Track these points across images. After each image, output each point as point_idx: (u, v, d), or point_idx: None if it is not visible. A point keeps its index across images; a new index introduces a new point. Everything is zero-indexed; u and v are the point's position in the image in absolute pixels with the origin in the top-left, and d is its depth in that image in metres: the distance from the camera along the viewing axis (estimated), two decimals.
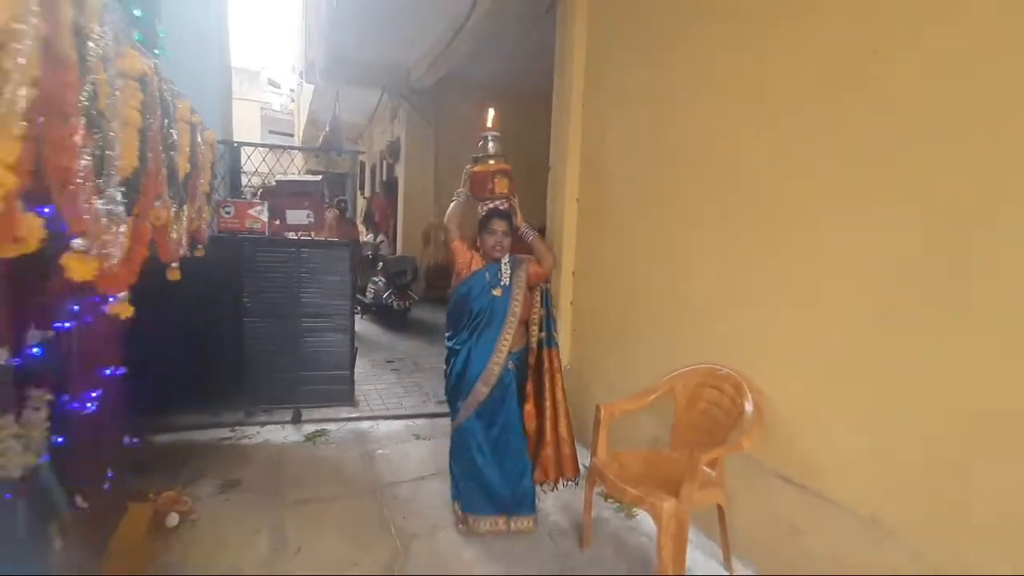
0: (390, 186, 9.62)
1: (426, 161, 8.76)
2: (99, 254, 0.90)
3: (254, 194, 4.54)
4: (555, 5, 3.75)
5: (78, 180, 0.82)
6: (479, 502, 2.46)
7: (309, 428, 3.60)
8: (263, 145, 4.13)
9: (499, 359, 2.44)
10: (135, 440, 2.54)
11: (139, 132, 1.17)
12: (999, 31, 1.53)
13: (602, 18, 3.41)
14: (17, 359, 1.38)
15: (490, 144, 2.59)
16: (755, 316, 2.32)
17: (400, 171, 9.12)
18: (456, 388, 2.53)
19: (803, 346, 2.12)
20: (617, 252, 3.27)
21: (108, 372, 2.07)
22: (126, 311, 1.32)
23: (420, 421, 3.86)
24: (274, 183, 4.01)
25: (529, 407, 2.65)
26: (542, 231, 3.31)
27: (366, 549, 2.36)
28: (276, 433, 3.53)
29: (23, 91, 0.65)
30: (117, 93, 1.05)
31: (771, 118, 2.26)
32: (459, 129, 8.68)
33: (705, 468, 2.12)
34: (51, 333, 1.52)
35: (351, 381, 3.80)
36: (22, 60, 0.66)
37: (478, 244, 2.56)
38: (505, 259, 2.53)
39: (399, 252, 8.75)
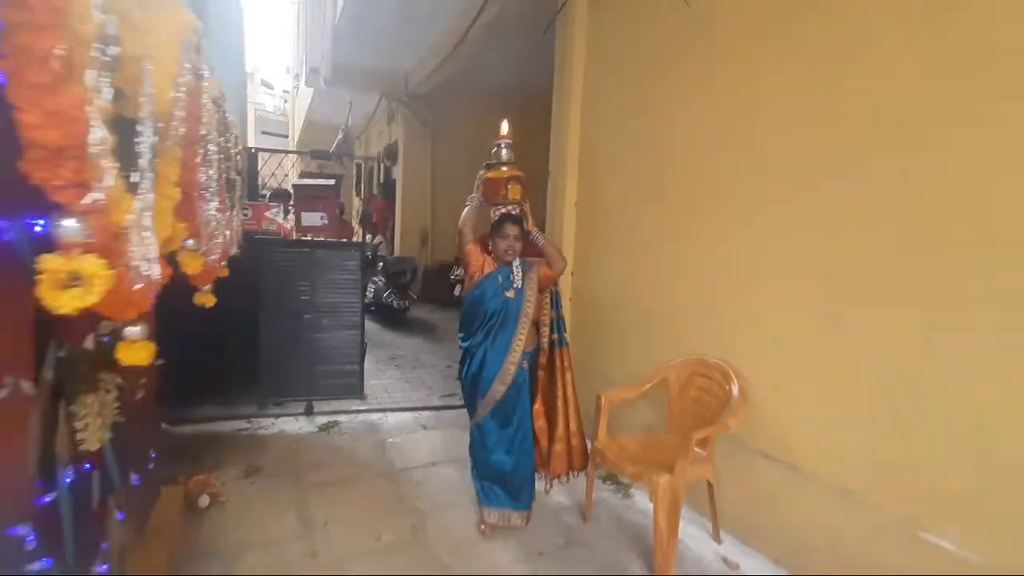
0: (387, 188, 9.80)
1: (423, 164, 8.96)
2: (205, 252, 1.09)
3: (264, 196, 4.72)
4: (554, 21, 3.97)
5: (198, 192, 1.02)
6: (492, 495, 2.56)
7: (321, 420, 3.79)
8: (283, 151, 4.32)
9: (514, 359, 2.51)
10: (170, 427, 2.72)
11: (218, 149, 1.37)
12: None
13: (600, 35, 3.64)
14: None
15: (503, 152, 2.64)
16: (738, 310, 2.57)
17: (398, 174, 9.30)
18: (473, 388, 2.59)
19: (781, 335, 2.37)
20: (613, 253, 3.50)
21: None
22: (210, 300, 1.51)
23: (426, 413, 4.06)
24: (276, 186, 4.19)
25: (538, 406, 2.70)
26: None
27: (386, 524, 2.56)
28: (290, 424, 3.71)
29: (183, 129, 0.85)
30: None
31: (750, 129, 2.50)
32: (456, 133, 8.91)
33: (696, 448, 2.35)
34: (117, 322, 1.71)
35: (361, 375, 3.99)
36: (181, 108, 0.86)
37: (490, 248, 2.63)
38: (516, 262, 2.59)
39: (397, 253, 8.93)
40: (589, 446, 2.74)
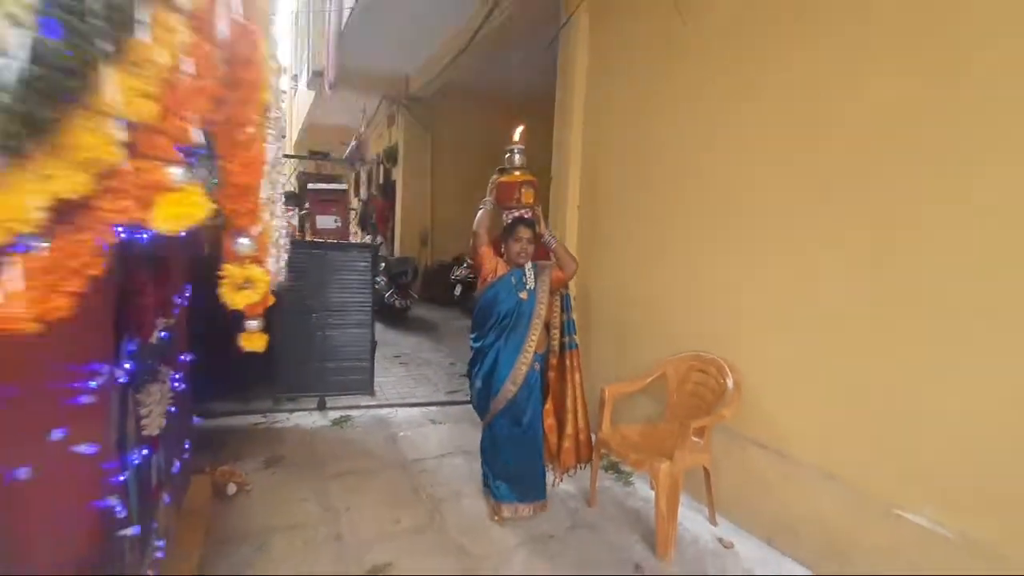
0: (387, 190, 9.94)
1: (423, 167, 9.12)
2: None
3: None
4: (558, 35, 4.14)
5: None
6: (503, 491, 2.65)
7: (334, 414, 3.94)
8: (301, 156, 4.46)
9: (526, 359, 2.56)
10: (199, 419, 2.86)
11: None
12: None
13: (601, 48, 3.82)
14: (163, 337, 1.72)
15: (516, 156, 2.69)
16: (733, 308, 2.76)
17: (398, 175, 9.45)
18: (485, 387, 2.64)
19: (774, 332, 2.56)
20: (615, 253, 3.68)
21: (185, 357, 2.41)
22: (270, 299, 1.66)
23: (434, 408, 4.22)
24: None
25: (548, 405, 2.78)
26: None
27: (404, 510, 2.73)
28: (304, 419, 3.87)
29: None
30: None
31: (743, 136, 2.69)
32: (456, 136, 9.08)
33: (694, 437, 2.54)
34: (172, 320, 1.87)
35: (371, 371, 4.15)
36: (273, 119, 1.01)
37: (502, 250, 2.68)
38: (529, 265, 2.64)
39: (397, 253, 9.07)
40: (594, 439, 2.90)
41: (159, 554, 1.70)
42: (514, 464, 2.65)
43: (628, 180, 3.56)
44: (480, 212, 2.70)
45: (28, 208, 0.48)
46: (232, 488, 2.78)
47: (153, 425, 1.74)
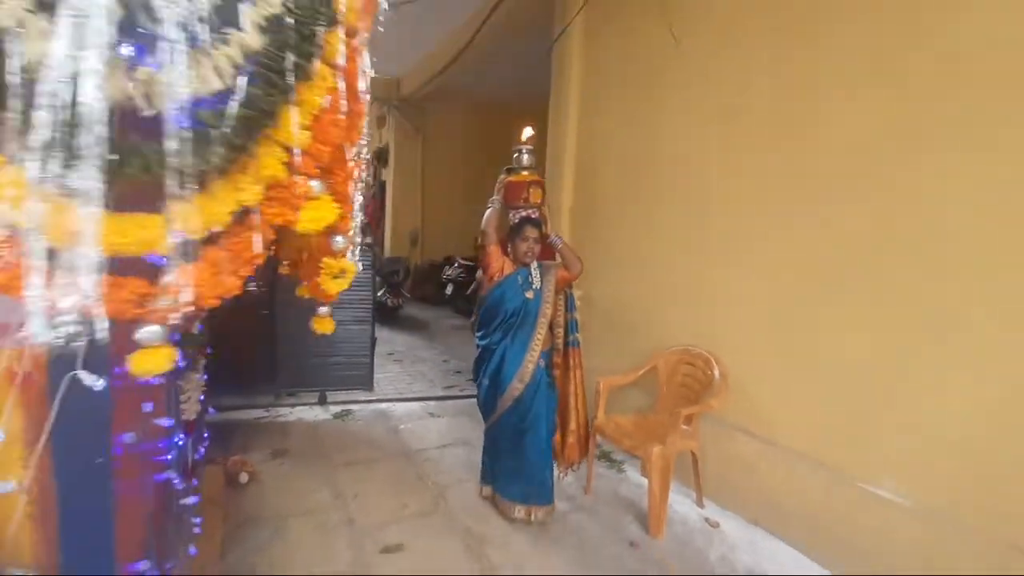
0: (377, 190, 10.02)
1: (414, 168, 9.23)
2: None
3: None
4: (552, 47, 4.33)
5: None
6: (506, 487, 2.69)
7: (335, 408, 4.06)
8: None
9: (533, 357, 2.59)
10: (214, 411, 2.97)
11: None
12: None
13: (596, 55, 4.02)
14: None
15: (524, 157, 2.72)
16: (720, 305, 2.97)
17: (388, 176, 9.55)
18: (492, 385, 2.66)
19: (757, 328, 2.77)
20: (608, 254, 3.87)
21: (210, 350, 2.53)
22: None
23: (432, 403, 4.36)
24: None
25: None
26: None
27: (410, 495, 2.88)
28: (306, 413, 3.98)
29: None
30: None
31: (731, 147, 2.90)
32: (446, 138, 9.22)
33: (683, 425, 2.73)
34: (204, 313, 2.00)
35: (371, 367, 4.28)
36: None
37: (509, 249, 2.70)
38: (535, 264, 2.67)
39: (387, 253, 9.17)
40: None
41: (196, 530, 1.83)
42: (520, 464, 2.64)
43: (621, 184, 3.76)
44: (488, 211, 2.71)
45: (222, 212, 0.63)
46: (244, 477, 2.90)
47: (191, 411, 1.87)
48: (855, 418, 2.33)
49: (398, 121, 9.08)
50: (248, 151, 0.65)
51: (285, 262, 1.47)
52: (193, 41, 0.56)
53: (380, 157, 9.73)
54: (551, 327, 2.77)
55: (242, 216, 0.68)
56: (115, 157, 0.54)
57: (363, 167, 0.86)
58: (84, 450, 0.90)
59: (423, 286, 8.73)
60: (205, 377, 2.28)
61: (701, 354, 2.96)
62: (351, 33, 0.70)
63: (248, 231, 0.68)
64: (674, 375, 3.08)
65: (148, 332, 0.68)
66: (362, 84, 0.75)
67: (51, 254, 0.56)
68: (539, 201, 2.74)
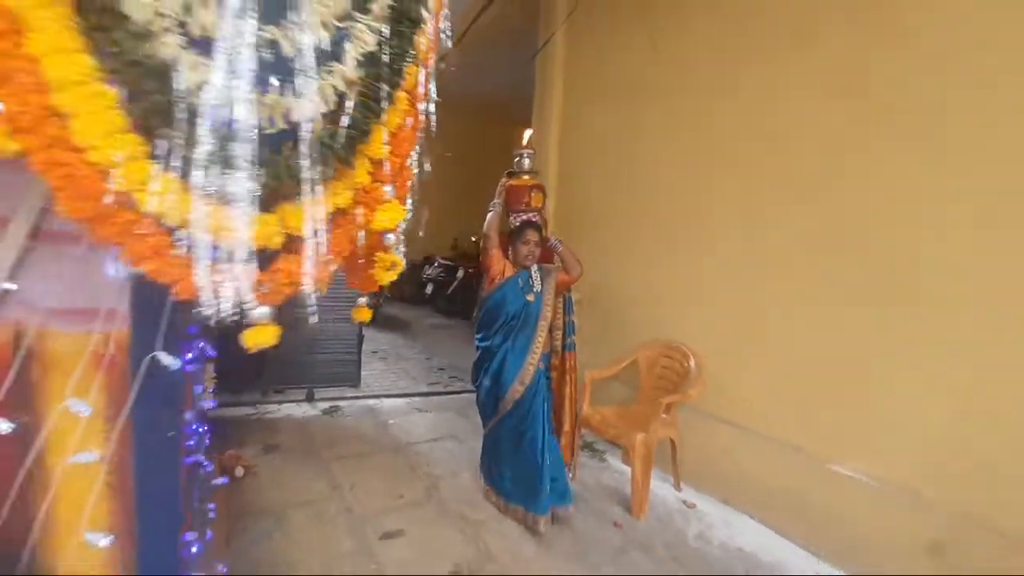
0: None
1: None
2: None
3: None
4: (535, 56, 4.50)
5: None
6: (506, 488, 2.71)
7: (323, 405, 4.12)
8: None
9: (534, 360, 2.63)
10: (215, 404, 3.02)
11: None
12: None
13: (578, 63, 4.20)
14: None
15: (525, 161, 2.76)
16: (695, 300, 3.18)
17: None
18: (493, 388, 2.68)
19: (731, 323, 2.99)
20: (591, 255, 4.04)
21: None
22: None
23: (418, 399, 4.47)
24: None
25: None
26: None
27: (405, 486, 2.99)
28: (295, 409, 4.03)
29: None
30: None
31: (705, 153, 3.12)
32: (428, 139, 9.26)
33: (663, 414, 2.93)
34: None
35: (359, 364, 4.35)
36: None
37: (509, 252, 2.74)
38: (534, 267, 2.70)
39: None
40: None
41: (211, 515, 1.91)
42: (517, 467, 2.66)
43: (602, 189, 3.95)
44: (490, 214, 2.74)
45: (323, 214, 0.75)
46: (240, 470, 2.95)
47: (207, 400, 1.95)
48: (820, 404, 2.57)
49: None
50: (349, 163, 0.78)
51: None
52: (306, 72, 0.69)
53: None
54: (550, 330, 2.79)
55: (334, 216, 0.80)
56: (263, 167, 0.66)
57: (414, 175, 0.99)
58: (158, 425, 0.99)
59: (403, 285, 8.77)
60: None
61: (679, 348, 3.17)
62: (422, 65, 0.84)
63: (338, 229, 0.80)
64: (653, 368, 3.28)
65: (260, 312, 0.80)
66: (427, 106, 0.88)
67: (211, 248, 0.67)
68: (540, 205, 2.78)
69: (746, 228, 2.91)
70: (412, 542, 2.51)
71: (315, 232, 0.74)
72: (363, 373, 4.95)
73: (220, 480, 1.57)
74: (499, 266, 2.71)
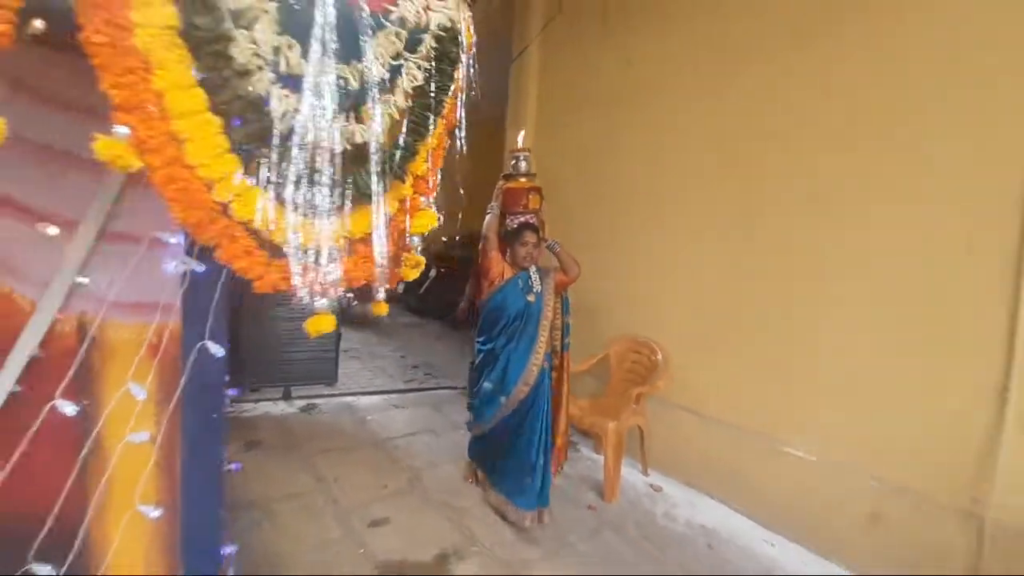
0: None
1: None
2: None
3: None
4: (512, 64, 4.67)
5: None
6: (495, 478, 2.78)
7: (300, 403, 4.16)
8: None
9: (537, 360, 2.65)
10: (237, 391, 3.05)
11: None
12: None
13: (553, 74, 4.40)
14: None
15: (522, 163, 2.78)
16: (662, 299, 3.42)
17: None
18: (496, 389, 2.68)
19: (690, 318, 3.24)
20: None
21: None
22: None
23: (394, 395, 4.56)
24: None
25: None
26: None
27: (388, 477, 3.10)
28: (272, 407, 4.06)
29: None
30: None
31: (672, 163, 3.37)
32: None
33: (632, 404, 3.15)
34: None
35: (336, 361, 4.41)
36: None
37: (507, 254, 2.76)
38: (533, 268, 2.72)
39: None
40: None
41: None
42: (509, 462, 2.69)
43: (577, 197, 4.15)
44: (489, 217, 2.77)
45: (373, 220, 0.89)
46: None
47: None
48: (773, 392, 2.84)
49: None
50: (401, 178, 0.91)
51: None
52: (369, 102, 0.82)
53: None
54: (550, 329, 2.79)
55: (388, 222, 0.93)
56: (345, 184, 0.80)
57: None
58: (204, 408, 1.10)
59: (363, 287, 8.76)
60: None
61: (647, 343, 3.40)
62: (456, 94, 0.98)
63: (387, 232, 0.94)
64: (623, 362, 3.50)
65: (321, 302, 0.92)
66: (459, 131, 1.03)
67: (294, 249, 0.80)
68: (538, 207, 2.81)
69: (709, 235, 3.17)
70: (399, 529, 2.63)
71: (375, 235, 0.88)
72: (339, 371, 5.00)
73: (234, 466, 1.65)
74: (498, 268, 2.74)
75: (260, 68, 0.73)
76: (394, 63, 0.85)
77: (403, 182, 0.93)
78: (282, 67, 0.75)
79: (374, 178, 0.84)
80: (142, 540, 1.07)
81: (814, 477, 2.64)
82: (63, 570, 0.98)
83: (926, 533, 2.26)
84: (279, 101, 0.75)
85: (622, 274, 3.73)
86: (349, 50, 0.80)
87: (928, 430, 2.28)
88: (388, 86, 0.85)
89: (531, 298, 2.69)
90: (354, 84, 0.81)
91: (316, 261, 0.84)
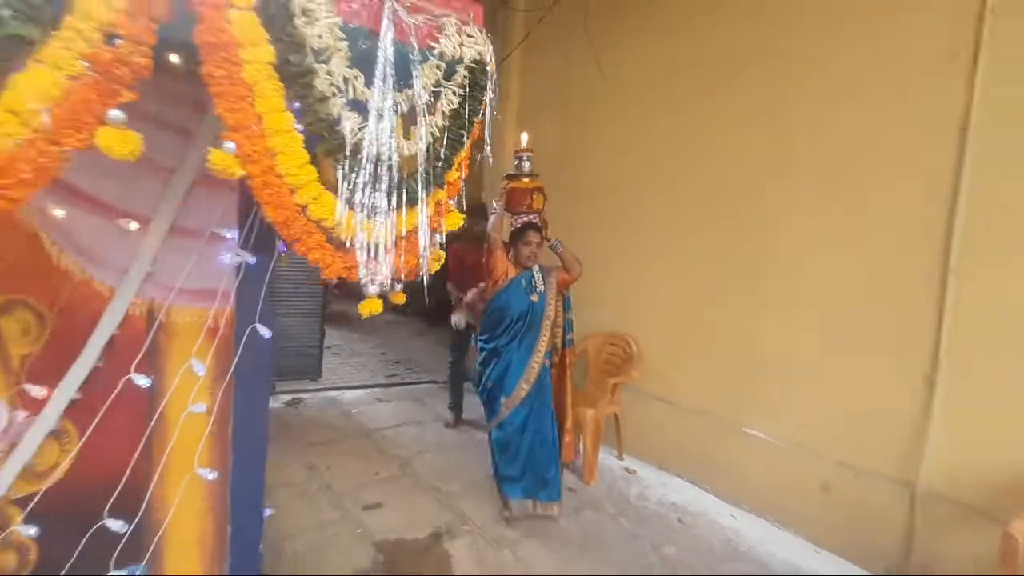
0: None
1: None
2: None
3: None
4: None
5: None
6: (513, 487, 2.73)
7: (285, 397, 4.25)
8: None
9: (539, 358, 2.69)
10: None
11: None
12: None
13: (533, 85, 4.61)
14: None
15: (525, 164, 2.80)
16: (638, 295, 3.67)
17: None
18: (498, 387, 2.73)
19: (663, 313, 3.50)
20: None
21: None
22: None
23: (377, 390, 4.68)
24: None
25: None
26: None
27: (379, 465, 3.24)
28: None
29: None
30: None
31: (647, 168, 3.62)
32: None
33: (609, 394, 3.38)
34: None
35: (320, 356, 4.50)
36: None
37: (510, 253, 2.80)
38: (536, 268, 2.76)
39: None
40: None
41: None
42: (526, 460, 2.72)
43: (558, 198, 4.33)
44: (493, 217, 2.79)
45: (413, 221, 1.06)
46: None
47: None
48: (735, 380, 3.11)
49: None
50: (441, 185, 1.09)
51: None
52: (415, 121, 0.99)
53: None
54: (552, 327, 2.83)
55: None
56: (399, 189, 0.96)
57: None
58: (254, 383, 1.24)
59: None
60: None
61: (622, 336, 3.64)
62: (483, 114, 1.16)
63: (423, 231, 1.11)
64: (600, 354, 3.74)
65: (373, 288, 1.08)
66: (484, 145, 1.21)
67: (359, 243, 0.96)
68: (541, 207, 2.83)
69: (679, 239, 3.43)
70: (393, 511, 2.78)
71: (420, 233, 1.05)
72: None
73: None
74: (502, 267, 2.77)
75: (335, 95, 0.90)
76: (435, 89, 1.03)
77: (442, 188, 1.10)
78: (350, 94, 0.92)
79: (420, 185, 1.02)
80: (199, 499, 1.21)
81: (770, 454, 2.92)
82: (132, 525, 1.11)
83: (868, 501, 2.56)
84: (349, 122, 0.92)
85: (602, 276, 3.95)
86: (402, 79, 0.97)
87: (869, 413, 2.58)
88: (431, 109, 1.03)
89: (535, 298, 2.74)
90: (404, 108, 0.98)
91: (374, 254, 1.00)
